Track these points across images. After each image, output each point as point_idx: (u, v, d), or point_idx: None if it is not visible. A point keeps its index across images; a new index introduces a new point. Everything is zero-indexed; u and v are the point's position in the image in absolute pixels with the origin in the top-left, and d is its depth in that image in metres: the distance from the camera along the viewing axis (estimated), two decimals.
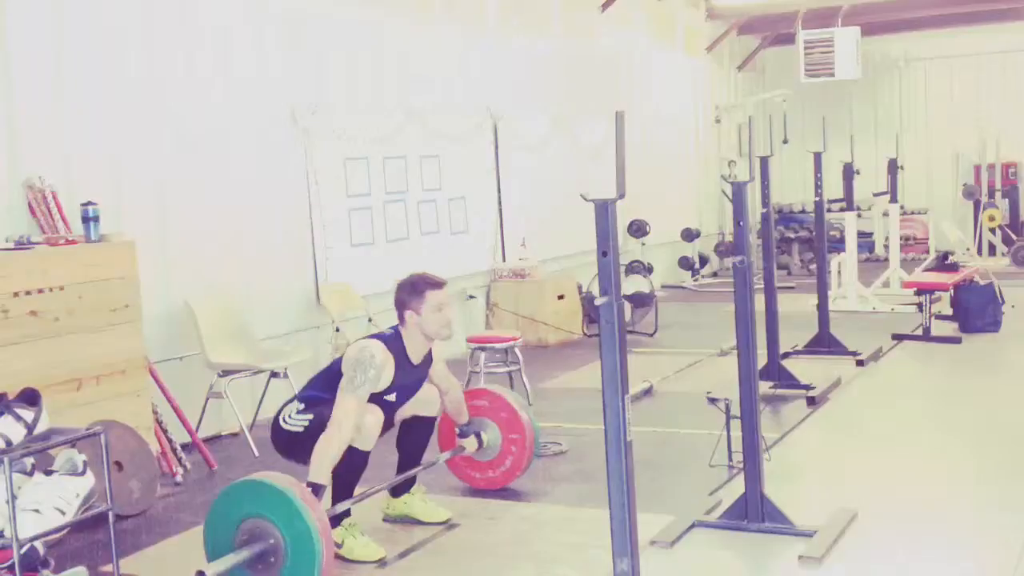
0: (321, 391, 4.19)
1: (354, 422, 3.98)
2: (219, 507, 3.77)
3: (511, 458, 4.83)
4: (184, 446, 5.67)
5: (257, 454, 5.82)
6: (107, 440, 3.51)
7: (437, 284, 4.27)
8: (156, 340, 5.80)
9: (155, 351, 5.71)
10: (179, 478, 5.41)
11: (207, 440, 5.96)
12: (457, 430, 4.77)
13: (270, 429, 4.34)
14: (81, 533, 4.44)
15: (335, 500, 4.19)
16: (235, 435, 6.19)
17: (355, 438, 4.06)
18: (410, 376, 4.30)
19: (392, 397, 4.26)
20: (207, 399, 6.07)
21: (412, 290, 4.24)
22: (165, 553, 4.42)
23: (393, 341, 4.21)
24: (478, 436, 4.76)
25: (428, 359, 4.39)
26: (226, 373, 5.99)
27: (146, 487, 4.92)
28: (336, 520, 4.17)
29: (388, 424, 4.42)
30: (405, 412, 4.48)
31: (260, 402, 6.40)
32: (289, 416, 4.23)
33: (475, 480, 4.94)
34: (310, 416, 4.14)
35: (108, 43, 5.78)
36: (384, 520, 4.58)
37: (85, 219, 5.12)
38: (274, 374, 6.20)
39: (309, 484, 3.81)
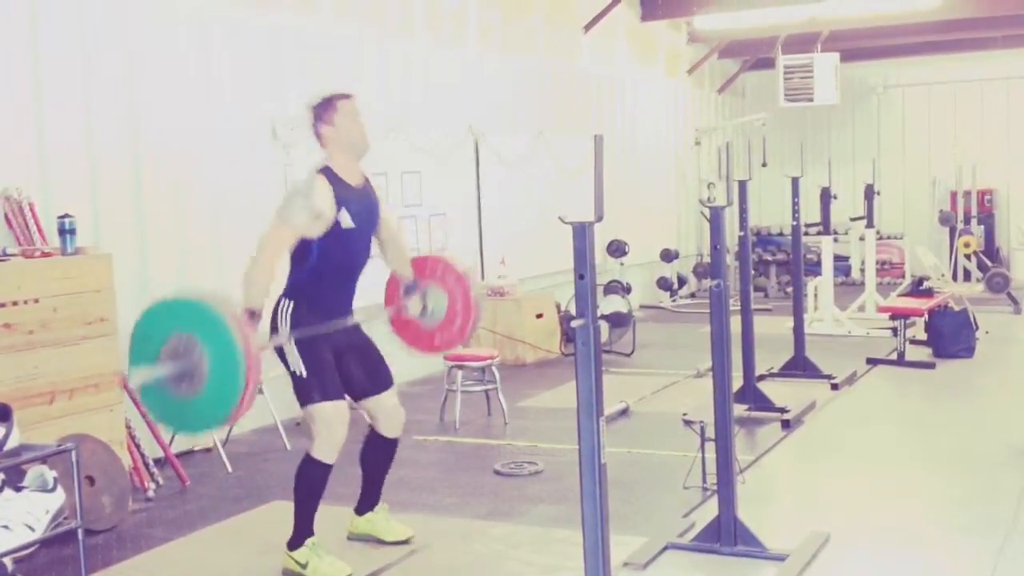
0: (294, 269, 4.14)
1: (278, 249, 3.96)
2: (147, 319, 3.62)
3: (458, 320, 4.56)
4: (157, 461, 5.64)
5: (231, 469, 5.80)
6: (78, 456, 3.49)
7: (346, 95, 4.26)
8: None
9: None
10: (151, 493, 5.37)
11: (180, 455, 5.92)
12: (402, 288, 4.55)
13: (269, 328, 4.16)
14: (51, 548, 4.40)
15: (298, 519, 4.16)
16: (208, 450, 6.15)
17: (320, 448, 4.03)
18: (356, 197, 4.17)
19: (349, 222, 4.10)
20: None
21: (324, 104, 4.22)
22: (135, 569, 4.38)
23: (320, 169, 4.16)
24: (423, 298, 4.53)
25: (369, 186, 4.29)
26: None
27: (118, 502, 4.88)
28: (299, 540, 4.15)
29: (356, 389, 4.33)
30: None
31: None
32: (286, 327, 4.09)
33: (423, 344, 4.66)
34: (306, 369, 4.05)
35: (87, 55, 5.77)
36: (348, 538, 4.55)
37: (62, 231, 5.09)
38: None
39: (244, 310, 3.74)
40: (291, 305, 4.13)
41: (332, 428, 4.08)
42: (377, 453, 4.49)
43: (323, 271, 4.13)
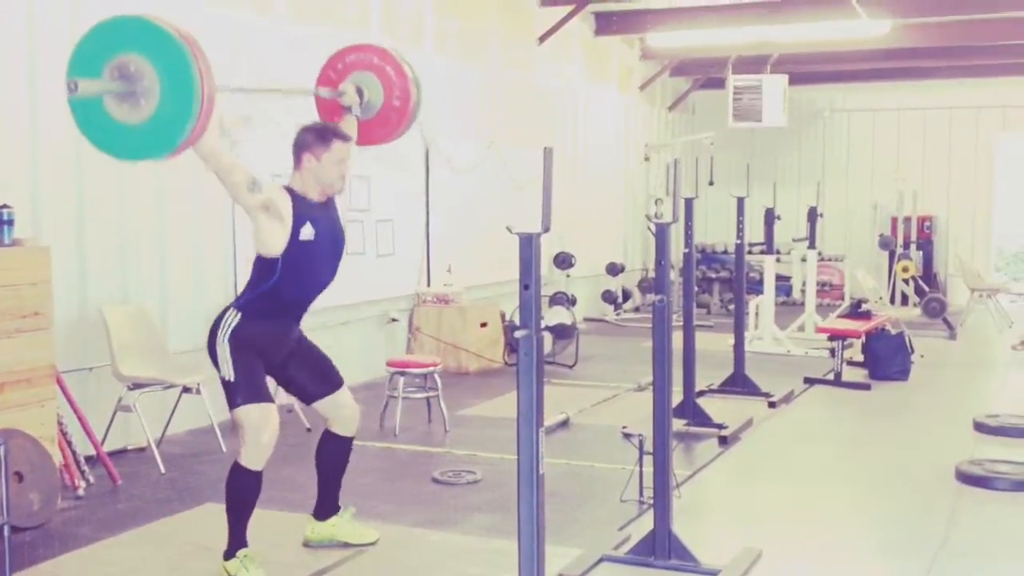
0: (253, 286, 4.05)
1: (232, 161, 3.94)
2: (101, 31, 3.45)
3: (394, 111, 4.49)
4: (88, 459, 5.53)
5: (164, 471, 5.71)
6: (6, 451, 3.42)
7: (346, 137, 4.14)
8: (66, 349, 5.67)
9: (64, 360, 5.57)
10: (81, 492, 5.27)
11: (112, 454, 5.82)
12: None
13: (208, 333, 4.09)
14: None
15: (230, 529, 4.08)
16: (142, 450, 6.05)
17: (247, 455, 3.98)
18: (317, 212, 4.08)
19: (310, 234, 4.00)
20: (115, 412, 5.93)
21: (319, 135, 4.08)
22: (62, 568, 4.29)
23: (286, 184, 4.08)
24: (359, 91, 4.43)
25: (331, 202, 4.20)
26: (136, 386, 5.87)
27: (46, 499, 4.78)
28: (232, 550, 4.08)
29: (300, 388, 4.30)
30: (323, 409, 4.34)
31: (170, 418, 6.28)
32: (225, 335, 4.00)
33: (372, 135, 4.58)
34: (235, 374, 3.98)
35: (31, 43, 5.66)
36: (305, 545, 4.49)
37: None
38: (186, 389, 6.09)
39: None
40: (237, 318, 4.04)
41: (258, 433, 3.98)
42: (331, 452, 4.44)
43: (282, 289, 4.02)
